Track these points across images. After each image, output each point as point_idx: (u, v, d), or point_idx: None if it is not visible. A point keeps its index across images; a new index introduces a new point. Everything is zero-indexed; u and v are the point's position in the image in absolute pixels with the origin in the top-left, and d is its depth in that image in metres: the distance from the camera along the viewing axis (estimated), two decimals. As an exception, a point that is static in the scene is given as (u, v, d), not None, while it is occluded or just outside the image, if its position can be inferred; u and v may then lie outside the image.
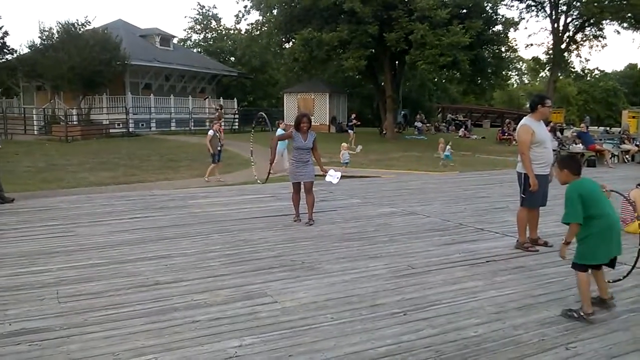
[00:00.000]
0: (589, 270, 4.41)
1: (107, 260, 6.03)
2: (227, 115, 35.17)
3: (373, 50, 29.71)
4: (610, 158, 18.01)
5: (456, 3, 26.70)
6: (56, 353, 3.69)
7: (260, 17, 34.38)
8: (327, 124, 36.55)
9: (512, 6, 59.30)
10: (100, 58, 27.78)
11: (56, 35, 29.26)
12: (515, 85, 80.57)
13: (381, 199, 10.40)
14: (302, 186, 8.16)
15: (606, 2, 31.45)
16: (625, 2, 30.50)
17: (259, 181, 8.64)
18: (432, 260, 6.06)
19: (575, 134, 19.79)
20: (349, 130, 27.18)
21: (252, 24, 41.56)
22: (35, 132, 30.06)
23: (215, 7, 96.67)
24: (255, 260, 6.02)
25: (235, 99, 41.89)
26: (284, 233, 7.49)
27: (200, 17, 57.75)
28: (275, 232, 7.51)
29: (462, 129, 38.95)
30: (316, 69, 33.55)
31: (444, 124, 46.15)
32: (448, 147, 18.34)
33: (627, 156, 19.00)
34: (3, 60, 34.05)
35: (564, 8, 34.81)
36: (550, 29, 35.92)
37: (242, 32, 48.90)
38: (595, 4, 30.68)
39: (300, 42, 27.76)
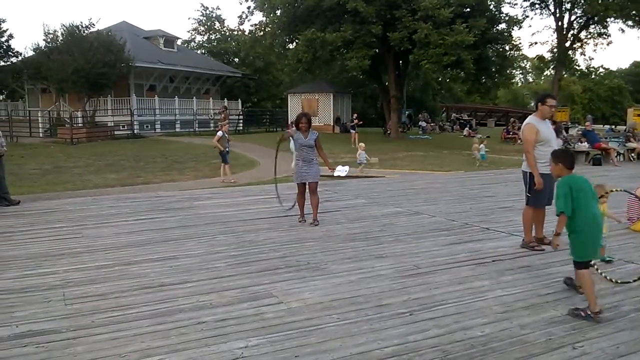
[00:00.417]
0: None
1: (113, 262, 6.05)
2: (231, 116, 35.22)
3: (377, 50, 29.69)
4: (616, 156, 17.93)
5: (459, 2, 26.61)
6: (63, 355, 3.70)
7: (264, 18, 34.45)
8: (332, 124, 36.55)
9: (516, 4, 59.37)
10: (104, 60, 27.86)
11: (61, 38, 29.38)
12: (519, 84, 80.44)
13: (386, 199, 10.39)
14: (306, 187, 8.16)
15: (610, 0, 31.34)
16: (629, 0, 30.40)
17: (285, 207, 8.54)
18: (438, 260, 6.05)
19: (580, 132, 19.71)
20: (351, 130, 27.22)
21: (255, 24, 41.55)
22: (41, 135, 30.16)
23: (219, 9, 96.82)
24: (260, 261, 6.02)
25: (239, 100, 42.01)
26: (289, 234, 7.49)
27: (204, 18, 57.96)
28: (280, 233, 7.52)
29: (467, 128, 38.91)
30: (320, 70, 33.56)
31: (448, 123, 46.12)
32: (482, 146, 18.33)
33: (632, 154, 18.91)
34: (8, 63, 34.29)
35: (568, 6, 34.74)
36: (555, 27, 35.86)
37: (246, 33, 49.07)
38: (600, 2, 30.59)
39: (303, 42, 27.75)
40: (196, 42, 58.49)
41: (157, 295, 4.91)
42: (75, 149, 23.00)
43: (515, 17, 31.46)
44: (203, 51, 54.12)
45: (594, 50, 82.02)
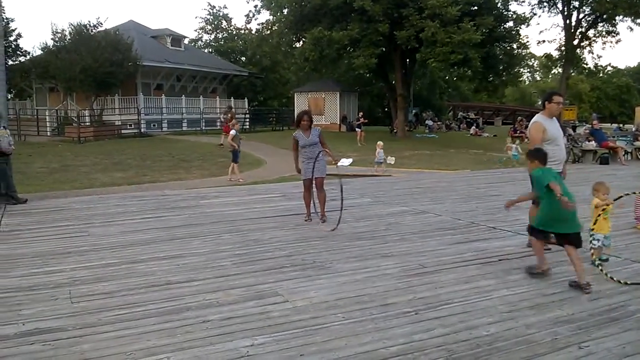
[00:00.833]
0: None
1: (119, 260, 6.08)
2: (237, 115, 35.27)
3: (384, 49, 29.68)
4: (624, 155, 17.83)
5: (467, 0, 26.56)
6: (69, 353, 3.72)
7: (271, 17, 34.55)
8: (338, 123, 36.52)
9: (524, 2, 59.09)
10: (112, 59, 27.93)
11: (68, 37, 29.47)
12: (527, 83, 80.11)
13: (392, 198, 10.37)
14: (313, 183, 8.15)
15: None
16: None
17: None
18: (444, 259, 6.04)
19: (587, 131, 19.61)
20: (357, 129, 27.23)
21: (262, 23, 41.74)
22: (48, 134, 30.30)
23: (226, 7, 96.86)
24: (266, 260, 6.03)
25: (246, 99, 42.05)
26: (294, 232, 7.49)
27: (211, 17, 58.03)
28: (286, 232, 7.52)
29: (474, 127, 38.79)
30: (327, 68, 33.56)
31: (455, 122, 46.00)
32: (514, 146, 18.30)
33: (640, 153, 18.81)
34: (16, 62, 34.44)
35: (576, 4, 34.54)
36: (563, 25, 35.68)
37: (253, 32, 49.18)
38: (608, 0, 30.39)
39: (310, 41, 27.77)
40: (203, 41, 58.66)
41: (164, 293, 4.93)
42: (82, 148, 23.10)
43: (522, 15, 31.40)
44: (210, 50, 54.23)
45: (603, 48, 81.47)
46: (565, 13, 34.96)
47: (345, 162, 8.45)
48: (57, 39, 29.82)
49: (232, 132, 14.21)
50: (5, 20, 32.18)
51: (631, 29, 52.97)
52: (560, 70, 42.96)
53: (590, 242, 5.71)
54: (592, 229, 5.65)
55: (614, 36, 36.65)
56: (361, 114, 29.52)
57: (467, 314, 4.40)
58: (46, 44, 31.13)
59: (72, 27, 29.52)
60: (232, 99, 40.44)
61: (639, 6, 31.03)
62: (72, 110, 31.97)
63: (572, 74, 43.74)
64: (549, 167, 5.46)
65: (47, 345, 3.84)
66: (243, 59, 52.28)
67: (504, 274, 5.45)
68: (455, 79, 52.21)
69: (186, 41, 43.70)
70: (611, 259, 5.86)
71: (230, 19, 66.13)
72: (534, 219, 5.35)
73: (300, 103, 38.06)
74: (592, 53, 57.48)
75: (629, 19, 33.64)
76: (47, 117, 31.84)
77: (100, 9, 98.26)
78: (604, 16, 33.73)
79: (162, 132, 32.07)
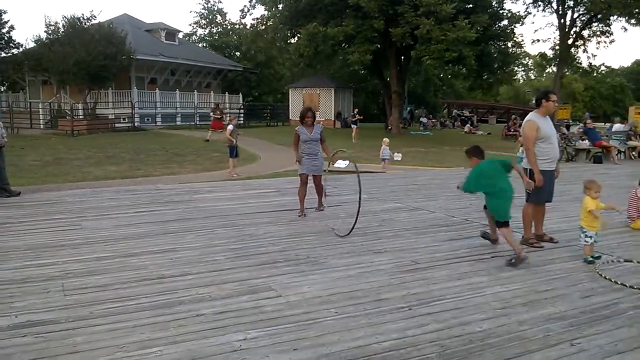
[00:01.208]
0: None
1: (112, 253, 6.06)
2: (232, 110, 35.24)
3: (378, 46, 29.67)
4: (617, 155, 17.91)
5: (462, -2, 26.60)
6: (62, 345, 3.71)
7: (266, 12, 34.47)
8: (333, 119, 36.52)
9: (518, 0, 59.14)
10: (105, 52, 27.77)
11: (62, 30, 29.27)
12: (521, 81, 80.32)
13: (386, 195, 10.39)
14: (309, 180, 8.27)
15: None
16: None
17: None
18: (437, 255, 6.06)
19: (581, 130, 19.69)
20: (352, 125, 27.23)
21: (257, 18, 41.52)
22: (41, 126, 30.12)
23: (221, 2, 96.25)
24: (260, 255, 6.03)
25: (240, 94, 41.94)
26: (288, 228, 7.49)
27: (206, 11, 57.91)
28: (279, 227, 7.52)
29: (468, 125, 38.90)
30: (321, 64, 33.57)
31: (449, 119, 46.09)
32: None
33: (633, 153, 18.89)
34: (9, 54, 34.20)
35: (571, 3, 34.66)
36: (557, 25, 35.80)
37: (248, 27, 49.05)
38: (603, 0, 30.50)
39: (305, 37, 27.71)
40: (198, 35, 58.51)
41: (157, 287, 4.92)
42: (75, 141, 22.99)
43: (517, 13, 31.46)
44: (204, 45, 54.05)
45: (597, 48, 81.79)
46: (560, 12, 35.07)
47: (341, 164, 8.47)
48: (50, 31, 29.62)
49: (230, 127, 14.15)
50: (-2, 12, 31.94)
51: (625, 29, 53.29)
52: (554, 69, 43.09)
53: (583, 239, 5.75)
54: (583, 226, 5.70)
55: (607, 36, 36.85)
56: (356, 110, 29.54)
57: (460, 310, 4.41)
58: (39, 37, 31.02)
59: (66, 20, 29.34)
60: (226, 94, 40.35)
61: (633, 6, 31.17)
62: (65, 104, 31.81)
63: (566, 73, 43.90)
64: (547, 168, 5.61)
65: (39, 338, 3.83)
66: (237, 54, 52.18)
67: (497, 271, 5.47)
68: (449, 76, 52.27)
69: (180, 35, 43.54)
70: (603, 257, 5.89)
71: (225, 13, 66.20)
72: (496, 216, 5.93)
73: (295, 99, 38.04)
74: (587, 52, 57.73)
75: (623, 19, 33.79)
76: (40, 110, 31.64)
77: (94, 2, 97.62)
78: (599, 16, 33.88)
79: (156, 126, 31.96)
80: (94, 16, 30.42)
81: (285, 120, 38.27)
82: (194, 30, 58.87)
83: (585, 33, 36.58)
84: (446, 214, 8.46)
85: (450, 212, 8.63)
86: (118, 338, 3.82)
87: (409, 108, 41.95)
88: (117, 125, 29.51)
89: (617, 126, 21.46)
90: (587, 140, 18.12)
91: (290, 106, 38.66)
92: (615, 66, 77.55)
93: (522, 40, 41.32)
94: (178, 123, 33.97)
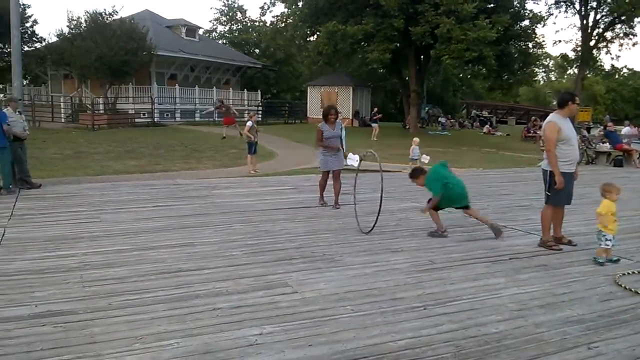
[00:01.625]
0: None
1: (131, 246, 6.13)
2: (250, 107, 35.34)
3: (398, 44, 29.54)
4: (638, 158, 17.65)
5: (483, -3, 26.40)
6: (80, 335, 3.76)
7: (286, 10, 34.44)
8: (351, 118, 36.45)
9: (540, 1, 58.56)
10: (127, 48, 28.03)
11: (84, 25, 29.62)
12: (541, 82, 79.47)
13: (403, 194, 10.35)
14: (330, 175, 8.71)
15: (639, -1, 30.82)
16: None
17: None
18: (454, 255, 6.03)
19: (602, 132, 19.44)
20: (373, 124, 27.15)
21: (277, 16, 41.60)
22: (63, 120, 30.50)
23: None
24: (276, 251, 6.06)
25: (259, 91, 42.06)
26: (305, 225, 7.51)
27: (226, 8, 58.09)
28: (296, 224, 7.54)
29: (487, 126, 38.60)
30: (340, 62, 33.47)
31: (468, 120, 45.77)
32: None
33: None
34: (32, 48, 34.63)
35: (594, 4, 34.22)
36: (579, 26, 35.37)
37: (267, 24, 49.00)
38: (627, 1, 30.06)
39: (324, 35, 27.69)
40: (218, 32, 58.73)
41: (174, 280, 4.97)
42: (96, 135, 23.24)
43: (539, 14, 31.14)
44: (224, 41, 54.25)
45: (619, 50, 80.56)
46: (583, 13, 34.64)
47: (353, 160, 8.50)
48: (72, 26, 30.01)
49: (249, 123, 14.22)
50: (22, 7, 32.35)
51: (649, 31, 52.31)
52: (575, 71, 42.60)
53: (604, 242, 5.69)
54: (601, 230, 5.65)
55: (631, 38, 36.33)
56: (376, 109, 29.46)
57: (476, 310, 4.39)
58: (62, 31, 31.41)
59: (88, 15, 29.72)
60: (245, 91, 40.50)
61: (657, 8, 30.69)
62: (86, 98, 32.15)
63: (588, 75, 43.35)
64: (567, 170, 5.61)
65: (58, 327, 3.89)
66: (257, 51, 52.29)
67: (514, 273, 5.43)
68: (469, 76, 51.84)
69: (201, 32, 43.76)
70: (622, 261, 5.82)
71: (245, 10, 66.30)
72: (464, 202, 6.92)
73: (313, 97, 38.03)
74: (610, 54, 56.95)
75: (648, 20, 33.29)
76: (61, 103, 32.03)
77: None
78: (622, 17, 33.39)
79: (175, 122, 32.21)
80: (116, 11, 30.85)
81: (303, 118, 38.29)
82: (214, 26, 59.19)
83: (608, 35, 36.11)
84: (463, 215, 8.38)
85: (468, 212, 8.55)
86: (135, 330, 3.87)
87: (427, 108, 41.72)
88: (137, 120, 29.77)
89: (626, 130, 21.19)
90: (607, 143, 17.89)
91: (308, 104, 38.66)
92: (638, 68, 76.44)
93: (544, 41, 40.74)
94: (197, 119, 34.17)
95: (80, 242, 6.29)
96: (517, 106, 56.70)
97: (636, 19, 33.44)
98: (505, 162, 18.64)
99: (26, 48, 33.11)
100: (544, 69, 79.29)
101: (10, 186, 9.69)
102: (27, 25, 34.55)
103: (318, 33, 30.19)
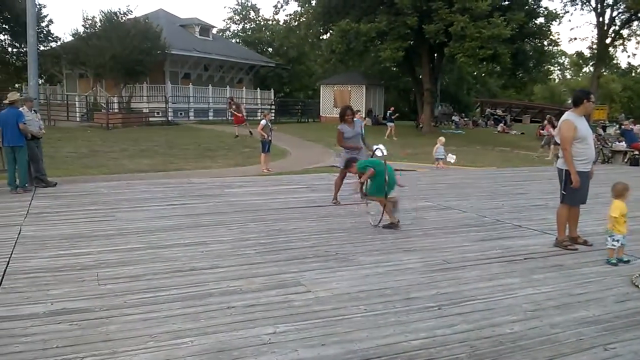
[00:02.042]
0: None
1: (145, 245, 6.16)
2: (263, 106, 35.38)
3: (411, 42, 29.39)
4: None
5: (498, -5, 26.21)
6: (95, 333, 3.79)
7: (299, 8, 34.54)
8: (363, 116, 36.35)
9: (556, -2, 58.09)
10: (141, 47, 28.20)
11: (99, 24, 29.85)
12: (556, 81, 78.74)
13: (416, 193, 10.31)
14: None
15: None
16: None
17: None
18: (468, 255, 5.99)
19: (619, 131, 19.24)
20: (388, 123, 27.04)
21: (290, 14, 41.73)
22: (78, 119, 30.74)
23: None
24: (289, 250, 6.06)
25: (272, 90, 42.12)
26: (318, 224, 7.51)
27: (239, 7, 58.19)
28: (309, 223, 7.54)
29: (501, 124, 38.35)
30: (353, 61, 33.40)
31: (482, 118, 45.49)
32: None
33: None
34: (48, 47, 34.93)
35: (610, 1, 33.84)
36: (595, 23, 35.01)
37: (280, 23, 49.20)
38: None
39: (338, 33, 27.67)
40: (231, 31, 58.86)
41: (188, 279, 4.99)
42: (110, 134, 23.41)
43: (554, 11, 30.86)
44: (237, 40, 54.40)
45: (636, 47, 79.71)
46: (599, 11, 34.28)
47: (381, 148, 8.37)
48: (87, 25, 30.27)
49: (263, 122, 14.25)
50: (38, 6, 32.66)
51: (667, 29, 51.60)
52: (591, 69, 42.18)
53: (610, 242, 5.64)
54: (610, 229, 5.61)
55: (647, 36, 35.90)
56: (392, 108, 29.34)
57: (491, 311, 4.36)
58: (77, 31, 31.66)
59: (103, 15, 29.93)
60: (258, 89, 40.58)
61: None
62: (101, 97, 32.38)
63: (604, 72, 42.89)
64: (583, 169, 5.53)
65: (74, 325, 3.92)
66: (270, 50, 52.33)
67: (529, 273, 5.38)
68: (483, 74, 51.42)
69: (214, 31, 43.89)
70: (638, 261, 5.75)
71: (258, 9, 66.37)
72: (373, 192, 7.20)
73: (326, 95, 38.00)
74: (626, 51, 56.31)
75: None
76: (76, 102, 32.29)
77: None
78: (639, 14, 32.99)
79: (189, 121, 32.34)
80: (130, 11, 30.99)
81: (316, 117, 38.28)
82: (228, 25, 59.32)
83: (625, 32, 35.71)
84: (477, 214, 8.36)
85: (482, 212, 8.52)
86: (150, 328, 3.89)
87: (440, 106, 41.51)
88: (151, 119, 29.93)
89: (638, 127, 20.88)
90: (623, 142, 17.70)
91: (321, 103, 38.64)
92: (655, 66, 75.37)
93: (559, 39, 40.47)
94: (210, 118, 34.29)
95: (95, 240, 6.34)
96: (531, 105, 56.16)
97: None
98: (520, 160, 18.50)
99: (42, 47, 33.39)
100: (559, 67, 78.55)
101: (26, 185, 9.80)
102: (43, 24, 34.86)
103: (331, 31, 30.18)
